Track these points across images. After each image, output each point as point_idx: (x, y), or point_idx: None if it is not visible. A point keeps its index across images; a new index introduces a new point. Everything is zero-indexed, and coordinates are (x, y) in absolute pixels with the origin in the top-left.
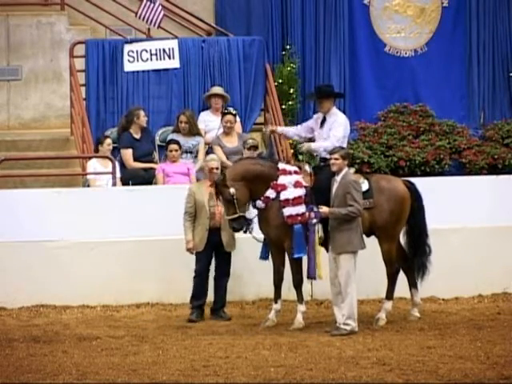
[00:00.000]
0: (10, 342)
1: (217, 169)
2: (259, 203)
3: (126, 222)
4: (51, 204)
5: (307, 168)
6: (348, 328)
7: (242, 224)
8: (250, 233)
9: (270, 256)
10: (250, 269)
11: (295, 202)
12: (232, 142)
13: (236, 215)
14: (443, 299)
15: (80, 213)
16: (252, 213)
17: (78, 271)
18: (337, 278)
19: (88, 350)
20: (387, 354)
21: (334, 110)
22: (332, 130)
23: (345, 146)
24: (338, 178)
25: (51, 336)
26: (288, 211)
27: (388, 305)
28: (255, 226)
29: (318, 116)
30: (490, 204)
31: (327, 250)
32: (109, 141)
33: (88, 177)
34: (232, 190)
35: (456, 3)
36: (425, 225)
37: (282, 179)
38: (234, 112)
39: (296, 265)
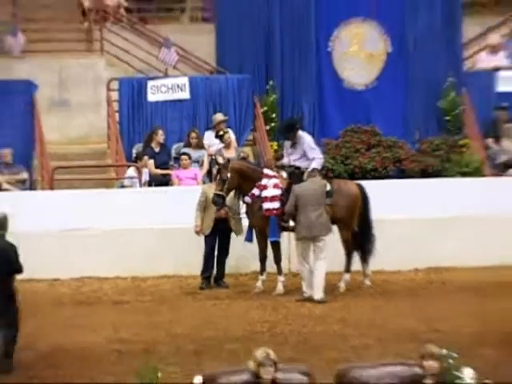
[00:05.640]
0: (62, 305)
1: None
2: (247, 199)
3: (149, 215)
4: (94, 201)
5: (283, 174)
6: (318, 297)
7: (220, 201)
8: (225, 211)
9: (253, 239)
10: (244, 248)
11: (272, 199)
12: (230, 153)
13: (221, 192)
14: (388, 271)
15: (115, 208)
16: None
17: (115, 251)
18: (306, 258)
19: (121, 311)
20: (347, 313)
21: (299, 133)
22: (310, 152)
23: (318, 154)
24: (309, 185)
25: (93, 300)
26: (266, 206)
27: (347, 276)
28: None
29: (286, 141)
30: (422, 201)
31: (296, 237)
32: (146, 158)
33: (125, 182)
34: (229, 174)
35: (397, 49)
36: (370, 219)
37: (264, 181)
38: (226, 130)
39: (275, 246)
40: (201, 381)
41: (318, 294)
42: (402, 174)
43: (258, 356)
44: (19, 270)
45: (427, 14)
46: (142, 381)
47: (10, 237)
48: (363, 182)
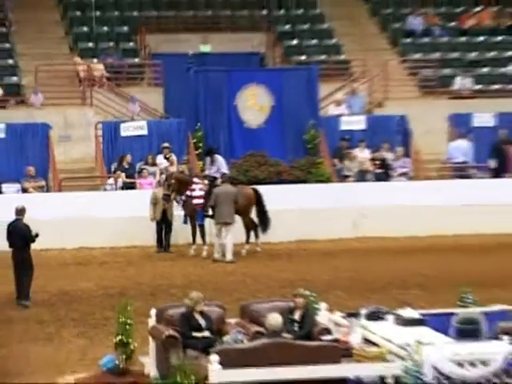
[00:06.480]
0: (66, 265)
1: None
2: (182, 197)
3: (122, 207)
4: (88, 199)
5: (206, 181)
6: (228, 259)
7: (168, 199)
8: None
9: (187, 222)
10: (182, 228)
11: (199, 197)
12: (173, 169)
13: (167, 192)
14: (273, 243)
15: (101, 203)
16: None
17: (100, 231)
18: (219, 236)
19: (104, 268)
20: (248, 270)
21: (216, 156)
22: (222, 168)
23: (226, 169)
24: (223, 188)
25: (86, 262)
26: (195, 201)
27: (247, 246)
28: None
29: (207, 158)
30: (294, 198)
31: (215, 222)
32: (119, 172)
33: (107, 187)
34: (172, 181)
35: (278, 103)
36: (265, 210)
37: (193, 186)
38: (170, 154)
39: (201, 227)
40: (155, 312)
41: (229, 257)
42: (282, 182)
43: (193, 296)
44: (32, 241)
45: (296, 81)
46: (118, 313)
47: (32, 222)
48: (258, 187)
